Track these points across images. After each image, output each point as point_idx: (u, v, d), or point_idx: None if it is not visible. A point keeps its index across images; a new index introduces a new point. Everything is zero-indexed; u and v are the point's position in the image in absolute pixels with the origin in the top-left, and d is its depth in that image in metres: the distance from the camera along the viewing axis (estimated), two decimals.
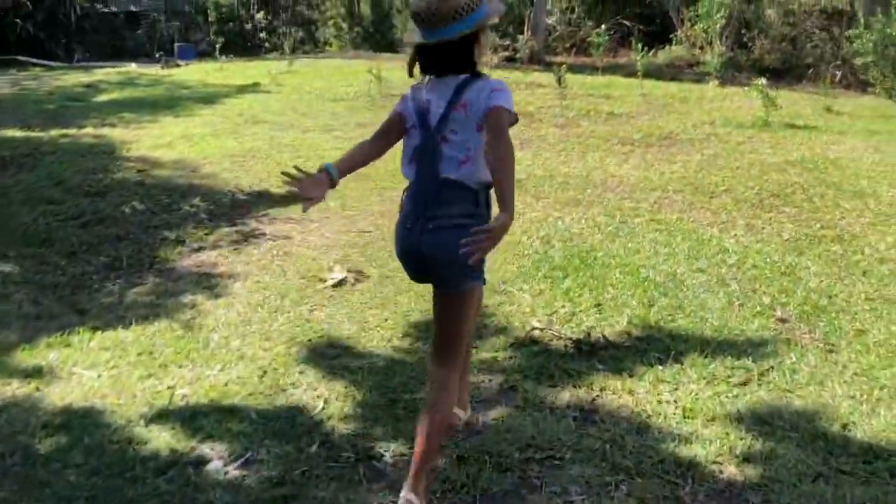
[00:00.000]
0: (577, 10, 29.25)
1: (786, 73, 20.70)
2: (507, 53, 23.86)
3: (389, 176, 8.00)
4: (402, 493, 2.58)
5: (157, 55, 21.04)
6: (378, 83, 13.93)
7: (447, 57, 2.58)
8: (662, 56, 23.59)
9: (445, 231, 2.54)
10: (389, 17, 30.53)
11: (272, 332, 4.45)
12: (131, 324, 4.66)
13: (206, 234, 6.33)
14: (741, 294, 4.85)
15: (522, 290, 4.82)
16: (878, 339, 4.16)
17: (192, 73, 18.69)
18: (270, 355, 4.16)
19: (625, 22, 27.46)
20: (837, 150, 9.36)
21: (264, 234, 6.30)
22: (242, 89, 14.98)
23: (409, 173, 2.72)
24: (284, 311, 4.76)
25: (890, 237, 6.05)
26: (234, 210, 7.05)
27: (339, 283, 5.14)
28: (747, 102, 13.09)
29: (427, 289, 5.07)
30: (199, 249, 6.02)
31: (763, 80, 11.57)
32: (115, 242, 6.22)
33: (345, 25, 31.41)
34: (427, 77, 2.71)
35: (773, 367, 3.84)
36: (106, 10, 23.75)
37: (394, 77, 15.76)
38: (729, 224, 6.43)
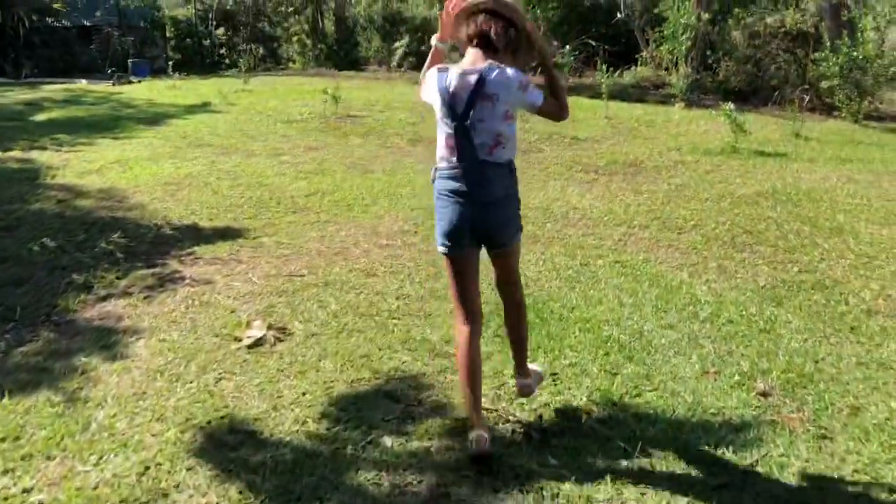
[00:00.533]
0: (542, 28, 28.86)
1: (751, 95, 20.36)
2: None
3: (333, 207, 7.30)
4: (484, 432, 3.09)
5: (109, 71, 20.18)
6: (335, 103, 13.22)
7: (496, 35, 2.96)
8: (628, 77, 23.18)
9: (493, 207, 3.03)
10: (354, 34, 29.87)
11: (167, 410, 3.70)
12: (4, 396, 3.88)
13: (118, 278, 5.55)
14: (716, 357, 4.20)
15: None
16: (878, 420, 3.52)
17: (143, 90, 17.85)
18: (158, 443, 3.41)
19: (590, 41, 27.14)
20: (810, 180, 8.83)
21: (183, 279, 5.54)
22: (192, 109, 14.19)
23: (450, 156, 3.03)
24: (187, 380, 4.01)
25: (874, 283, 5.47)
26: (155, 248, 6.28)
27: (257, 343, 4.40)
28: (714, 126, 12.61)
29: (356, 353, 4.36)
30: (106, 297, 5.24)
31: (731, 105, 11.04)
32: (13, 288, 5.42)
33: (309, 42, 30.72)
34: (451, 66, 3.02)
35: (757, 462, 3.18)
36: (58, 25, 22.81)
37: (352, 97, 15.10)
38: (700, 266, 5.80)
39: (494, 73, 2.90)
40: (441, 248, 3.13)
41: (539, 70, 3.26)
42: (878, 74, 15.14)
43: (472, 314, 3.17)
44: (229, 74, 22.75)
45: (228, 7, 25.59)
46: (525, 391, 3.50)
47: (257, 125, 12.27)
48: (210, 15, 25.02)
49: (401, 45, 21.37)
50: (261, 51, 25.99)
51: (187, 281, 5.49)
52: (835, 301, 5.11)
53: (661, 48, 17.06)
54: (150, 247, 6.29)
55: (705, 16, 16.56)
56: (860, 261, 5.94)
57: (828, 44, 15.80)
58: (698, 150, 10.59)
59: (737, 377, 3.95)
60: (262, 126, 12.19)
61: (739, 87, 19.56)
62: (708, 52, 20.05)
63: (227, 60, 25.99)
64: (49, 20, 22.25)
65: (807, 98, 16.38)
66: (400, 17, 28.24)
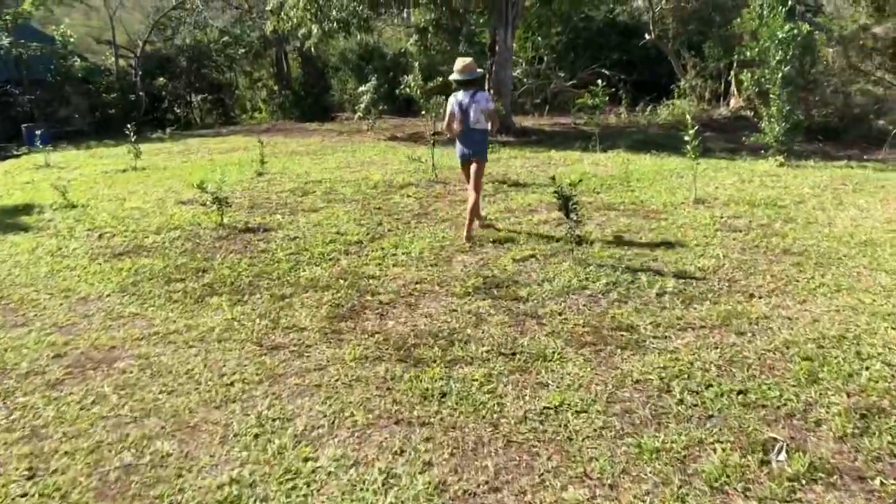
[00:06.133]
0: (545, 59, 22.47)
1: (841, 133, 13.98)
2: None
3: None
4: (471, 232, 6.11)
5: None
6: (219, 212, 6.81)
7: (469, 83, 6.03)
8: (664, 113, 16.78)
9: (476, 142, 6.09)
10: (324, 77, 23.47)
11: None
12: None
13: None
14: None
15: None
16: None
17: None
18: None
19: (604, 71, 20.74)
20: None
21: None
22: None
23: (461, 126, 6.05)
24: None
25: None
26: None
27: None
28: (884, 211, 6.18)
29: None
30: None
31: None
32: None
33: (276, 88, 24.36)
34: (459, 91, 6.10)
35: None
36: None
37: (287, 171, 8.91)
38: None
39: (478, 93, 6.08)
40: (459, 159, 6.25)
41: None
42: None
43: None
44: (154, 137, 16.39)
45: (164, 52, 19.20)
46: (468, 238, 6.06)
47: (51, 269, 5.84)
48: (133, 62, 18.58)
49: (367, 90, 15.01)
50: (206, 103, 19.54)
51: None
52: None
53: (745, 76, 10.51)
54: None
55: (804, 27, 10.07)
56: None
57: None
58: None
59: None
60: (55, 274, 5.75)
61: (834, 126, 13.16)
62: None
63: (170, 116, 19.59)
64: None
65: None
66: (378, 52, 21.91)
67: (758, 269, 5.17)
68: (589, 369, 3.65)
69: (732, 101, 16.23)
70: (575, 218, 5.20)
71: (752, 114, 14.30)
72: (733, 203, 7.29)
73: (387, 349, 3.99)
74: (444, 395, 3.44)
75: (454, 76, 6.08)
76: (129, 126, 11.20)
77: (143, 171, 10.61)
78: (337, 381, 3.64)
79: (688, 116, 7.36)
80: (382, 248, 5.95)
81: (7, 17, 16.30)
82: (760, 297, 4.62)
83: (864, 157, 11.49)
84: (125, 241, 6.47)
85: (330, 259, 5.74)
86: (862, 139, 13.28)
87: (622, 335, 4.06)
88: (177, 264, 5.75)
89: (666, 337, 4.04)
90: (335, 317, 4.49)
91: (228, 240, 6.38)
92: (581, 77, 20.49)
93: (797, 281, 4.91)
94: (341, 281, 5.17)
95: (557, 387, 3.47)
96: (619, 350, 3.87)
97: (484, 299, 4.71)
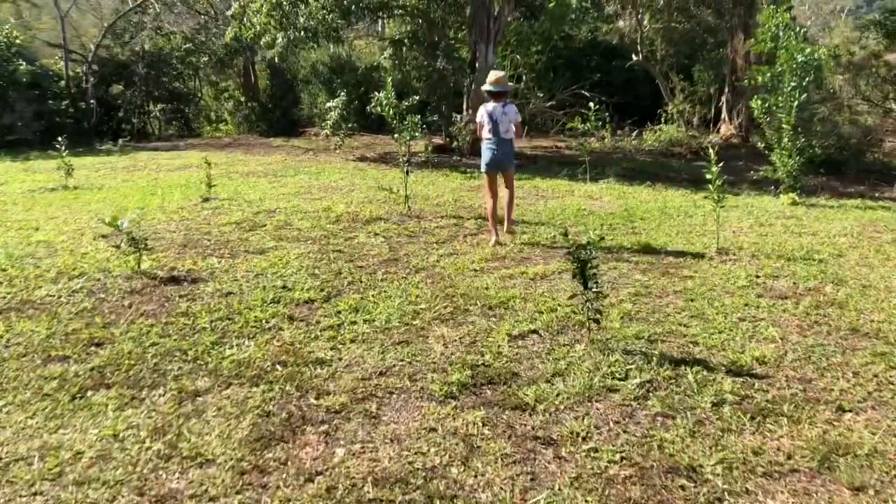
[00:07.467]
0: (524, 78, 21.23)
1: (842, 165, 12.90)
2: (439, 140, 14.22)
3: None
4: (500, 238, 6.38)
5: None
6: (135, 257, 5.33)
7: (501, 95, 6.32)
8: (650, 139, 15.59)
9: (505, 153, 6.40)
10: (293, 90, 21.91)
11: None
12: None
13: None
14: None
15: None
16: None
17: None
18: None
19: (584, 93, 19.51)
20: None
21: None
22: None
23: (489, 135, 6.33)
24: None
25: None
26: None
27: None
28: None
29: None
30: None
31: None
32: None
33: (242, 99, 22.72)
34: (490, 101, 6.37)
35: None
36: None
37: (240, 193, 7.78)
38: None
39: (507, 105, 6.35)
40: (484, 170, 6.46)
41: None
42: None
43: (495, 195, 6.41)
44: (104, 150, 14.79)
45: (121, 57, 17.56)
46: (510, 231, 6.57)
47: None
48: (84, 68, 16.90)
49: (336, 105, 13.60)
50: (165, 113, 17.92)
51: None
52: None
53: (755, 102, 9.26)
54: None
55: (822, 51, 8.88)
56: None
57: None
58: None
59: None
60: None
61: (835, 159, 12.04)
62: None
63: (126, 126, 17.95)
64: None
65: None
66: (350, 65, 20.46)
67: (831, 361, 3.84)
68: None
69: (723, 128, 15.10)
70: (596, 289, 3.80)
71: (759, 142, 13.17)
72: (763, 256, 5.98)
73: None
74: None
75: (486, 87, 6.47)
76: (59, 139, 9.60)
77: (74, 192, 9.04)
78: None
79: (711, 151, 6.02)
80: (338, 313, 4.52)
81: None
82: (855, 413, 3.27)
83: (875, 194, 10.39)
84: (10, 293, 4.94)
85: (268, 329, 4.28)
86: (863, 172, 12.21)
87: (683, 487, 2.68)
88: (66, 331, 4.25)
89: (748, 491, 2.66)
90: (260, 438, 3.04)
91: (143, 294, 4.89)
92: (560, 98, 19.31)
93: (892, 383, 3.58)
94: (278, 368, 3.71)
95: None
96: None
97: (474, 407, 3.30)
